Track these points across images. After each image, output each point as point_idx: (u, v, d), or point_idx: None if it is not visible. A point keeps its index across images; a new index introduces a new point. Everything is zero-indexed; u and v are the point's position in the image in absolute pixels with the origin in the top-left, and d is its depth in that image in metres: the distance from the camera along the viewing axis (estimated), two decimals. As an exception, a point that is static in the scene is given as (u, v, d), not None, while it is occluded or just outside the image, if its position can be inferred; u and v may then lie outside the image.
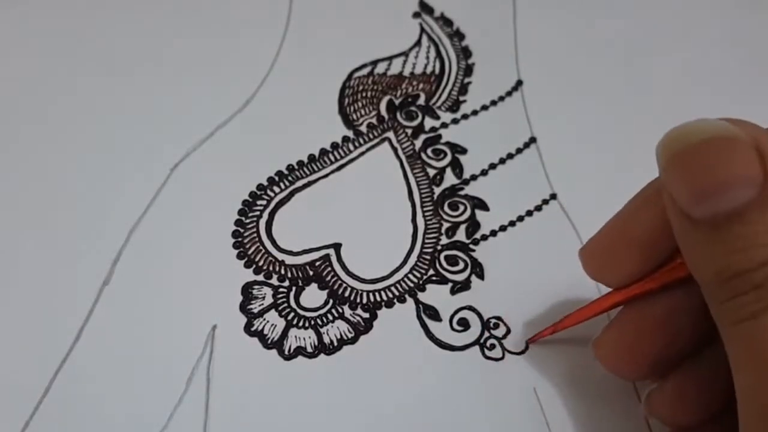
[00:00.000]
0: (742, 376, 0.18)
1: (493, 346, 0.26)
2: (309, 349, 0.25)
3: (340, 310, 0.26)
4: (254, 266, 0.27)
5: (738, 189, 0.17)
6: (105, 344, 0.25)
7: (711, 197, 0.17)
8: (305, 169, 0.29)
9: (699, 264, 0.18)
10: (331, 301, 0.26)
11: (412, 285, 0.27)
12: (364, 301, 0.26)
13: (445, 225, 0.28)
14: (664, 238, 0.20)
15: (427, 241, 0.28)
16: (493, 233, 0.28)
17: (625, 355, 0.23)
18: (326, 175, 0.29)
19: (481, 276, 0.27)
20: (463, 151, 0.30)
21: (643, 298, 0.22)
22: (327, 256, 0.27)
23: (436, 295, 0.27)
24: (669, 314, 0.21)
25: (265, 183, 0.29)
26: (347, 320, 0.26)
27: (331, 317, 0.26)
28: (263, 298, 0.26)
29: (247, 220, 0.28)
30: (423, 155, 0.30)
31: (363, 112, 0.31)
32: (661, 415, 0.23)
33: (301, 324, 0.26)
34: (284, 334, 0.26)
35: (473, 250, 0.28)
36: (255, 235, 0.28)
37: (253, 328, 0.26)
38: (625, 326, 0.23)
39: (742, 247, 0.17)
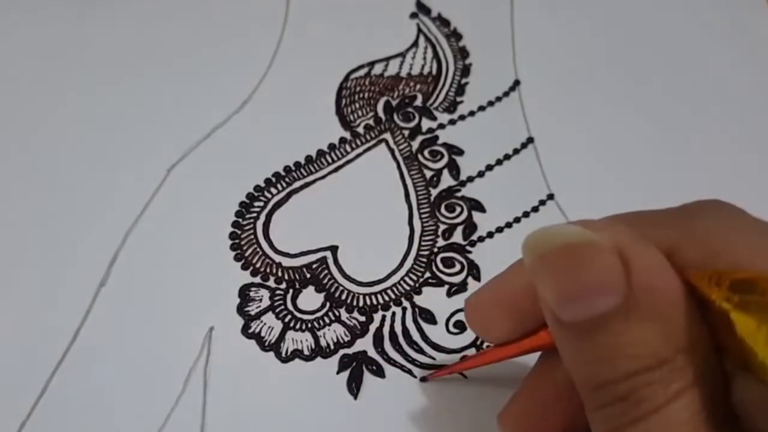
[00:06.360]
0: None
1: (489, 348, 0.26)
2: (306, 352, 0.25)
3: (337, 314, 0.26)
4: (251, 268, 0.27)
5: (600, 296, 0.16)
6: (102, 345, 0.25)
7: (575, 303, 0.17)
8: (302, 170, 0.29)
9: (571, 367, 0.18)
10: (327, 304, 0.26)
11: (408, 288, 0.27)
12: (361, 304, 0.26)
13: (442, 227, 0.28)
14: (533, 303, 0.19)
15: (423, 243, 0.28)
16: (490, 235, 0.28)
17: (531, 430, 0.21)
18: (323, 177, 0.29)
19: (477, 278, 0.27)
20: (460, 152, 0.30)
21: (548, 365, 0.20)
22: (324, 259, 0.27)
23: (432, 297, 0.27)
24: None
25: (263, 184, 0.29)
26: (344, 323, 0.26)
27: (327, 320, 0.26)
28: (260, 300, 0.26)
29: (245, 222, 0.28)
30: (420, 157, 0.30)
31: (360, 113, 0.31)
32: None
33: (298, 327, 0.26)
34: (281, 336, 0.26)
35: (470, 252, 0.28)
36: (252, 236, 0.28)
37: (250, 330, 0.26)
38: (528, 397, 0.21)
39: (608, 357, 0.16)
